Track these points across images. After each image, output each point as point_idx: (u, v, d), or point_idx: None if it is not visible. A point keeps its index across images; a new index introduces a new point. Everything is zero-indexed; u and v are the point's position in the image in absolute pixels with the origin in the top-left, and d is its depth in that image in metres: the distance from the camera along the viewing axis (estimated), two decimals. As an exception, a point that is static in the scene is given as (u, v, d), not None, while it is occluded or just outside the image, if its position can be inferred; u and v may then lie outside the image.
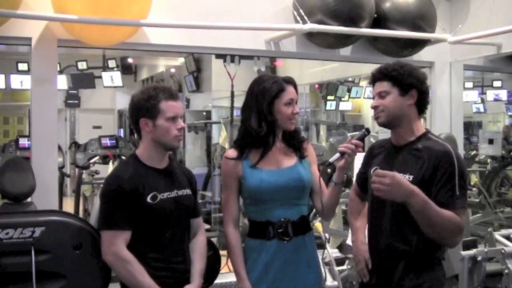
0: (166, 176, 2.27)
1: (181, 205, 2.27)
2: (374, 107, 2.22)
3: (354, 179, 3.23)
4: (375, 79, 2.24)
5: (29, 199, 2.89)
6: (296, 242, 2.27)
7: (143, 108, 2.19)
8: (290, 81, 2.31)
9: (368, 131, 2.33)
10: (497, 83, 8.49)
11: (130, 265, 2.14)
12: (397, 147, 2.23)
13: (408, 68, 2.18)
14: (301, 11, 3.53)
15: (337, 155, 2.22)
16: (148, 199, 2.16)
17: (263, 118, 2.24)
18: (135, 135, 2.36)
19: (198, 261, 2.32)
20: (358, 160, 2.44)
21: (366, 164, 2.36)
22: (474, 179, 5.95)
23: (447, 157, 2.06)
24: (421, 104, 2.20)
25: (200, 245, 2.38)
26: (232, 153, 2.31)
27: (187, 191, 2.33)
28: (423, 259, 2.13)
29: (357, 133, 2.34)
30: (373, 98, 2.26)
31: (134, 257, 2.14)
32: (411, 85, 2.15)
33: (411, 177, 2.09)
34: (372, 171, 2.27)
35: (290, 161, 2.32)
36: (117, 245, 2.14)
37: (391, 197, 1.99)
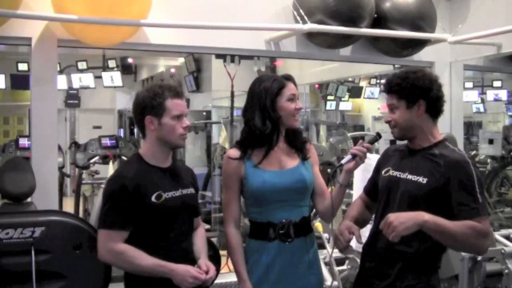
0: (171, 175, 2.26)
1: (186, 205, 2.27)
2: (387, 122, 2.22)
3: (354, 179, 3.25)
4: (384, 91, 2.24)
5: (29, 199, 2.89)
6: (297, 244, 2.27)
7: (149, 106, 2.18)
8: (289, 78, 2.32)
9: (379, 135, 2.34)
10: (497, 83, 8.50)
11: (124, 255, 2.12)
12: (412, 150, 2.22)
13: (412, 79, 2.14)
14: (301, 11, 3.53)
15: (349, 157, 2.23)
16: (153, 198, 2.15)
17: (267, 116, 2.24)
18: (135, 134, 2.36)
19: (201, 242, 2.34)
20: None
21: (378, 169, 2.35)
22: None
23: (466, 166, 2.06)
24: (433, 110, 2.18)
25: (201, 232, 2.39)
26: (234, 152, 2.30)
27: (191, 190, 2.32)
28: (421, 264, 2.13)
29: (357, 133, 2.35)
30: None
31: (127, 245, 2.12)
32: (416, 96, 2.13)
33: (425, 180, 2.09)
34: (384, 172, 2.27)
35: (293, 162, 2.31)
36: (111, 243, 2.13)
37: (405, 230, 1.96)
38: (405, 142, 2.29)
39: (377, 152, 4.68)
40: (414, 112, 2.14)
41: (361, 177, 3.12)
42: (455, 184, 2.04)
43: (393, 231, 1.94)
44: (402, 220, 1.95)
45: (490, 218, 5.61)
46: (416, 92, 2.13)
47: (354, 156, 2.21)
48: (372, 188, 2.36)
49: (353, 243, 3.18)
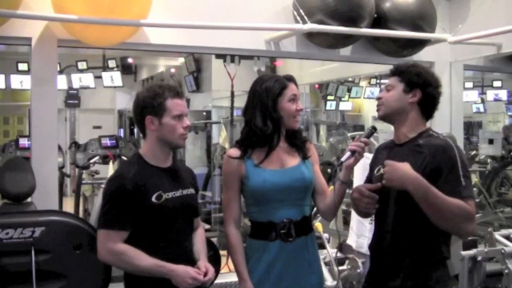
0: (171, 175, 2.25)
1: (186, 205, 2.27)
2: (378, 98, 2.26)
3: (354, 179, 3.25)
4: (389, 74, 2.29)
5: (29, 199, 2.89)
6: (298, 243, 2.27)
7: (149, 106, 2.17)
8: (290, 78, 2.32)
9: (374, 128, 2.35)
10: (497, 83, 8.50)
11: (124, 255, 2.12)
12: (398, 144, 2.24)
13: (419, 69, 2.21)
14: (301, 11, 3.53)
15: (348, 153, 2.23)
16: (153, 198, 2.15)
17: (268, 116, 2.24)
18: (135, 134, 2.36)
19: (200, 243, 2.34)
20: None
21: (372, 169, 2.36)
22: (474, 179, 5.95)
23: (449, 150, 2.07)
24: (426, 107, 2.20)
25: (200, 233, 2.39)
26: (235, 152, 2.30)
27: (191, 190, 2.32)
28: (427, 258, 2.13)
29: (357, 133, 2.36)
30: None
31: (127, 245, 2.12)
32: (416, 84, 2.18)
33: None
34: (376, 171, 2.28)
35: (293, 161, 2.31)
36: (110, 243, 2.12)
37: (393, 184, 2.04)
38: (392, 139, 2.31)
39: (377, 152, 4.68)
40: (408, 97, 2.18)
41: (361, 177, 3.11)
42: (439, 170, 2.05)
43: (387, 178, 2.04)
44: (397, 173, 2.02)
45: (490, 218, 5.60)
46: (418, 80, 2.18)
47: (353, 152, 2.22)
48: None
49: (353, 243, 3.20)
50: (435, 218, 2.02)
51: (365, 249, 2.99)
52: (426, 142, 2.13)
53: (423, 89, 2.18)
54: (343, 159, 2.24)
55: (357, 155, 2.22)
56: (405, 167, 2.02)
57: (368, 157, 2.78)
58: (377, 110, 2.25)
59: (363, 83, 9.19)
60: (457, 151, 2.07)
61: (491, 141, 5.78)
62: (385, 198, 2.21)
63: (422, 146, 2.13)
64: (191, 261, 2.24)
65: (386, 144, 2.37)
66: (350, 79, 8.68)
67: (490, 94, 8.76)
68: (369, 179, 2.36)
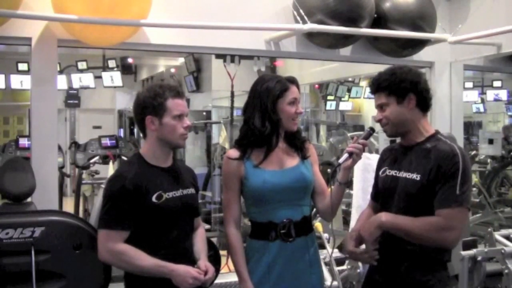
0: (171, 175, 2.26)
1: (186, 205, 2.27)
2: (378, 121, 2.24)
3: (354, 179, 3.25)
4: (372, 91, 2.27)
5: (29, 199, 2.89)
6: (298, 243, 2.27)
7: (150, 106, 2.18)
8: (293, 80, 2.31)
9: (373, 129, 2.35)
10: (497, 83, 8.49)
11: (124, 255, 2.12)
12: (406, 147, 2.24)
13: (399, 74, 2.17)
14: (301, 11, 3.53)
15: (346, 155, 2.24)
16: (153, 198, 2.15)
17: (267, 117, 2.24)
18: (135, 134, 2.36)
19: (200, 243, 2.34)
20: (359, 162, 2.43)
21: (377, 171, 2.36)
22: (474, 179, 5.96)
23: (453, 157, 2.06)
24: (423, 104, 2.20)
25: (201, 233, 2.39)
26: (234, 153, 2.30)
27: (192, 190, 2.33)
28: (428, 259, 2.14)
29: (357, 133, 2.36)
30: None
31: (128, 245, 2.12)
32: (406, 90, 2.15)
33: (418, 176, 2.11)
34: (381, 172, 2.28)
35: (292, 161, 2.32)
36: (111, 243, 2.13)
37: (370, 236, 2.15)
38: (399, 140, 2.31)
39: (377, 152, 4.69)
40: (405, 106, 2.16)
41: (360, 177, 3.12)
42: (441, 175, 2.05)
43: (366, 242, 2.14)
44: (365, 229, 2.14)
45: (490, 218, 5.61)
46: (406, 86, 2.15)
47: (350, 154, 2.23)
48: (376, 191, 2.37)
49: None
50: (412, 240, 2.09)
51: (365, 249, 2.99)
52: (433, 147, 2.13)
53: (415, 90, 2.16)
54: (340, 161, 2.25)
55: (354, 156, 2.23)
56: (371, 220, 2.15)
57: (368, 157, 2.78)
58: (384, 131, 2.25)
59: (363, 83, 9.19)
60: (461, 158, 2.06)
61: (491, 141, 5.78)
62: (386, 200, 2.22)
63: (430, 150, 2.12)
64: (192, 261, 2.24)
65: (392, 146, 2.37)
66: (350, 79, 8.68)
67: (490, 94, 8.76)
68: (375, 180, 2.37)
